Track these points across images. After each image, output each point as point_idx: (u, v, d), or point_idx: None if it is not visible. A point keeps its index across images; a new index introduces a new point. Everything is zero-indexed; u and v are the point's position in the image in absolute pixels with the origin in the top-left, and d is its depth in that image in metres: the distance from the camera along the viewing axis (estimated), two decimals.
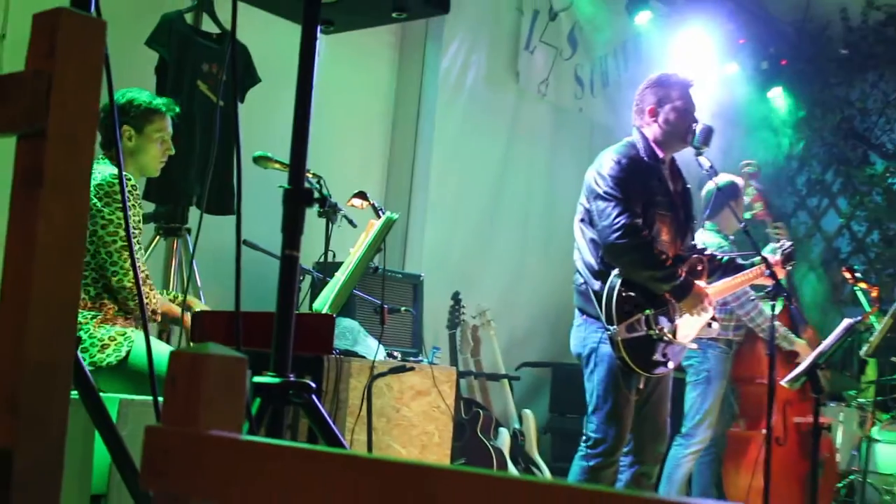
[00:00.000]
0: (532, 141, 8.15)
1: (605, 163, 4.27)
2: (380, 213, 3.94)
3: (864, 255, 9.85)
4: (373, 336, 4.97)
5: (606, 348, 4.20)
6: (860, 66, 9.70)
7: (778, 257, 4.68)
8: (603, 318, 4.15)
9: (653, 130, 4.40)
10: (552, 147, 8.28)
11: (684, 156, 4.52)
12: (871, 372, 7.29)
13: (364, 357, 4.78)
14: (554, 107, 8.29)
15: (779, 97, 9.34)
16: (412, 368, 4.97)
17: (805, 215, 9.68)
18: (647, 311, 4.17)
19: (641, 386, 4.32)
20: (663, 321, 4.23)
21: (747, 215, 6.45)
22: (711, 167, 4.37)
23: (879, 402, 6.75)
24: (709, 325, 4.39)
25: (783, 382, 4.84)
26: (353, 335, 4.81)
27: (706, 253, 4.65)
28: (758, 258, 4.56)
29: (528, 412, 6.94)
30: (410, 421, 5.10)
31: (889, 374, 7.01)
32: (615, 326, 4.10)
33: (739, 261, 4.67)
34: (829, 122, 9.58)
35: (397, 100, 7.12)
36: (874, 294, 5.31)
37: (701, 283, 4.39)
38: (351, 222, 4.06)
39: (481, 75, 7.66)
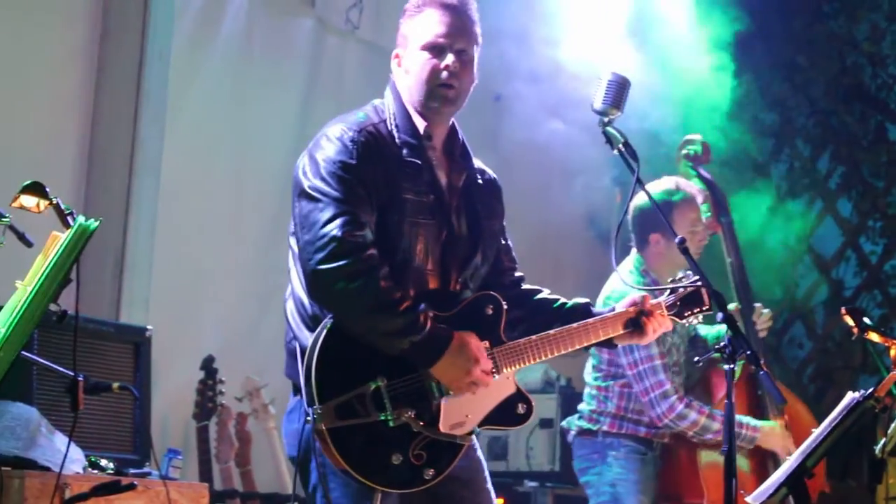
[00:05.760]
0: (340, 99, 8.21)
1: (323, 139, 4.38)
2: (68, 219, 3.84)
3: (881, 291, 10.10)
4: (63, 432, 4.90)
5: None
6: None
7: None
8: (303, 392, 4.18)
9: (404, 84, 4.52)
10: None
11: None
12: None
13: (48, 468, 4.73)
14: (371, 47, 8.51)
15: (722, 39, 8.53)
16: (133, 486, 4.89)
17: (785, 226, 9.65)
18: (377, 383, 4.18)
19: None
20: (412, 398, 4.23)
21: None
22: (626, 145, 4.36)
23: None
24: (514, 404, 4.39)
25: (749, 499, 4.85)
26: (26, 431, 4.78)
27: (540, 296, 4.70)
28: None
29: None
30: None
31: None
32: (317, 406, 4.12)
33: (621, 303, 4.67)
34: (821, 74, 9.72)
35: (105, 34, 7.12)
36: (894, 352, 5.29)
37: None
38: (22, 237, 3.99)
39: None
